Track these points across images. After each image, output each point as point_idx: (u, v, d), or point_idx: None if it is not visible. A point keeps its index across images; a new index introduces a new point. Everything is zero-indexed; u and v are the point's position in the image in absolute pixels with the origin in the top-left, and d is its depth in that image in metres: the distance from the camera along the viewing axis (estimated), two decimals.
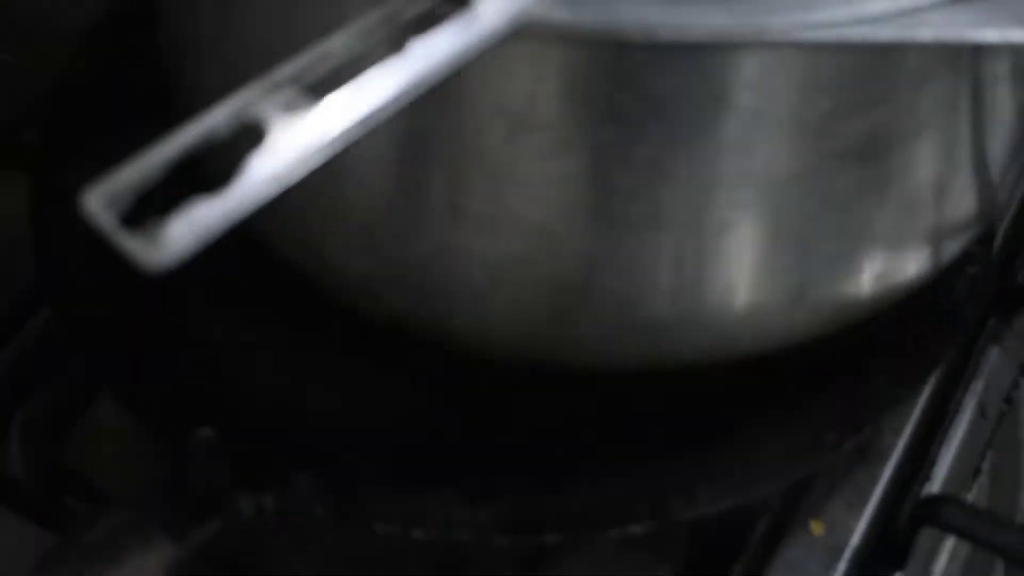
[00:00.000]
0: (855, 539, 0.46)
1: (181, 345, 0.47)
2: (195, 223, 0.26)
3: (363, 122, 0.28)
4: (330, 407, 0.45)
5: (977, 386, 0.50)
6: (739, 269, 0.39)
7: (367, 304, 0.42)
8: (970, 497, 0.49)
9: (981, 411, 0.50)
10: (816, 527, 0.46)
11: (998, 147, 0.41)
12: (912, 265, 0.43)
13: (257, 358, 0.46)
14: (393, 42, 0.28)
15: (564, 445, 0.43)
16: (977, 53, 0.36)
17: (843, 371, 0.45)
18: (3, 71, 0.54)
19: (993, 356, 0.51)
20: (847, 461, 0.47)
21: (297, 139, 0.27)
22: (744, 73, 0.33)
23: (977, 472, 0.50)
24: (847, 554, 0.46)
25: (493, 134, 0.35)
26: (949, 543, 0.48)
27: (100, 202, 0.26)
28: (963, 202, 0.42)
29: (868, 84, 0.35)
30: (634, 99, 0.34)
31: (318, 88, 0.28)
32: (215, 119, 0.27)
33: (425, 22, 0.29)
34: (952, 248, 0.43)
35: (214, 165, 0.27)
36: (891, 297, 0.43)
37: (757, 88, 0.33)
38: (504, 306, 0.39)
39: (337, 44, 0.28)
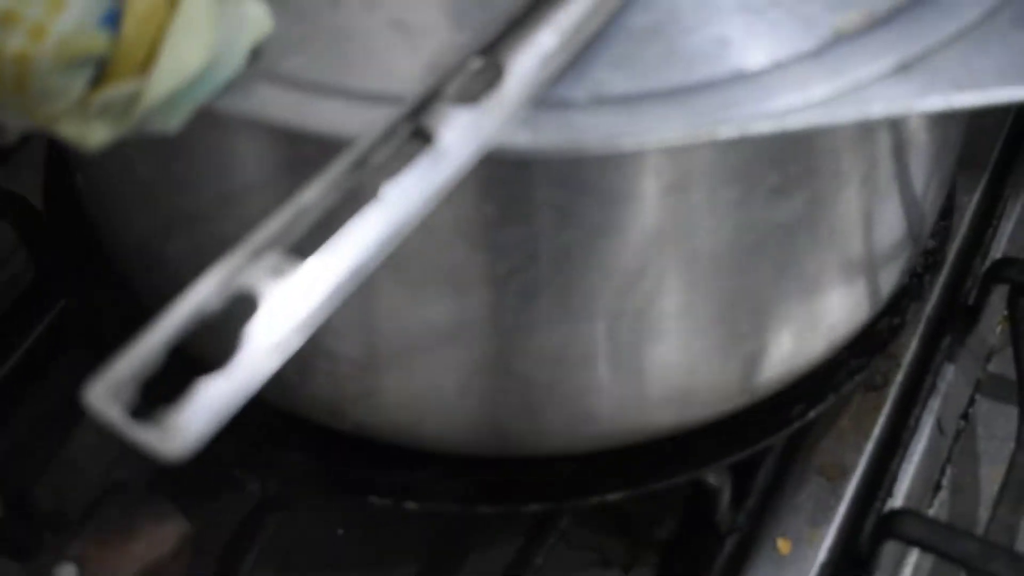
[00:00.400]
0: (821, 555, 0.47)
1: None
2: (207, 407, 0.26)
3: (354, 276, 0.28)
4: None
5: (934, 404, 0.51)
6: (680, 347, 0.40)
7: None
8: (931, 511, 0.50)
9: (939, 428, 0.51)
10: (783, 545, 0.47)
11: (919, 181, 0.42)
12: (850, 312, 0.44)
13: None
14: (366, 189, 0.28)
15: None
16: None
17: None
18: None
19: (949, 374, 0.52)
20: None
21: (292, 304, 0.27)
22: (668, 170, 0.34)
23: (937, 487, 0.51)
24: (814, 571, 0.47)
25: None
26: (913, 556, 0.50)
27: (104, 397, 0.26)
28: (891, 255, 0.43)
29: (789, 165, 0.36)
30: (558, 198, 0.34)
31: (301, 247, 0.28)
32: (205, 293, 0.27)
33: (393, 164, 0.29)
34: (888, 285, 0.45)
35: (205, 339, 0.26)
36: (842, 340, 0.44)
37: (680, 180, 0.34)
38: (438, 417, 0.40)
39: (311, 197, 0.28)
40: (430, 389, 0.40)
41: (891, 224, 0.42)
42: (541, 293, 0.37)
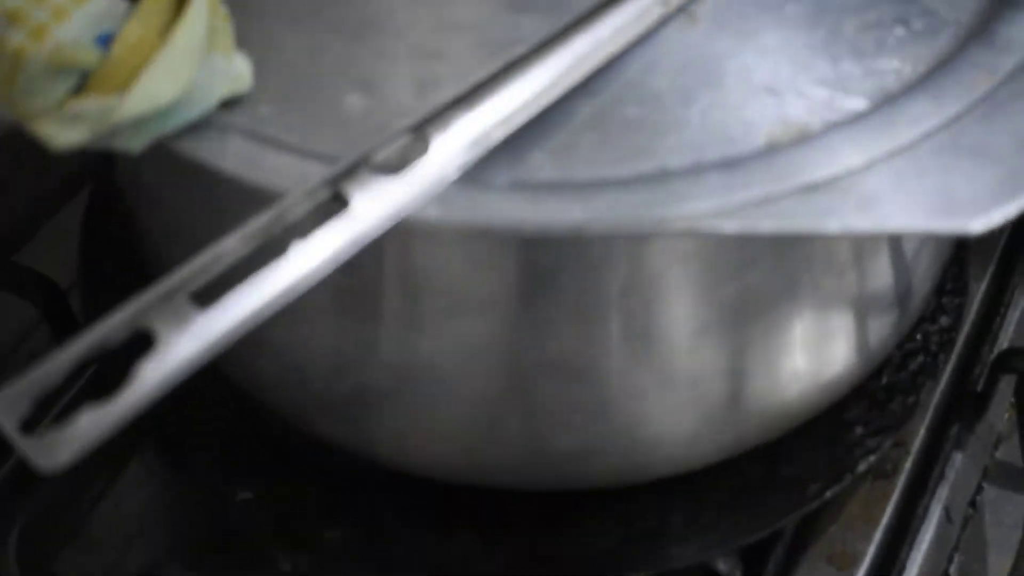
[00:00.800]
0: None
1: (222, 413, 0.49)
2: (84, 431, 0.29)
3: (244, 324, 0.30)
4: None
5: (943, 492, 0.52)
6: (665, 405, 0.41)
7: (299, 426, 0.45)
8: None
9: (947, 516, 0.52)
10: None
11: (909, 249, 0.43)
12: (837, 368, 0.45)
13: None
14: (277, 244, 0.31)
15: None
16: None
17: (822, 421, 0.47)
18: None
19: (958, 462, 0.53)
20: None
21: (184, 345, 0.30)
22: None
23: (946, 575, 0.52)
24: None
25: (403, 297, 0.38)
26: None
27: (2, 407, 0.29)
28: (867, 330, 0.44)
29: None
30: (543, 273, 0.37)
31: (206, 294, 0.30)
32: (110, 327, 0.30)
33: (307, 223, 0.31)
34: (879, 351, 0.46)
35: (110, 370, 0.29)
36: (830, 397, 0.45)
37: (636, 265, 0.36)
38: (418, 441, 0.42)
39: (227, 246, 0.31)
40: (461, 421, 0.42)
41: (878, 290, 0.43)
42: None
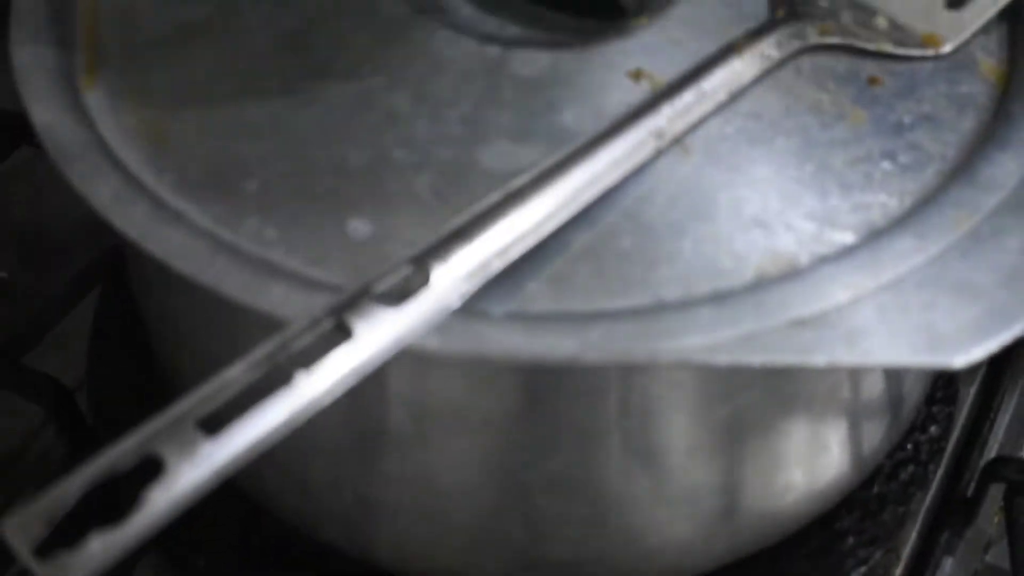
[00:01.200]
0: None
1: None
2: (95, 556, 0.30)
3: (250, 451, 0.31)
4: None
5: None
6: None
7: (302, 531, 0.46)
8: None
9: None
10: None
11: None
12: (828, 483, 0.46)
13: None
14: (283, 373, 0.32)
15: None
16: None
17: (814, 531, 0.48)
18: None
19: (948, 567, 0.53)
20: None
21: (191, 472, 0.31)
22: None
23: None
24: None
25: (405, 416, 0.39)
26: None
27: (15, 531, 0.30)
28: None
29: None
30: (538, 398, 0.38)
31: (213, 421, 0.31)
32: (119, 453, 0.31)
33: (312, 352, 0.33)
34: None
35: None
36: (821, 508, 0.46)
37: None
38: (418, 547, 0.43)
39: (233, 374, 0.32)
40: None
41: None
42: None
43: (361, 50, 0.41)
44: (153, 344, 0.48)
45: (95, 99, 0.41)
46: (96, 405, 0.51)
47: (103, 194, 0.37)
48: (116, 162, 0.38)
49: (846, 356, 0.33)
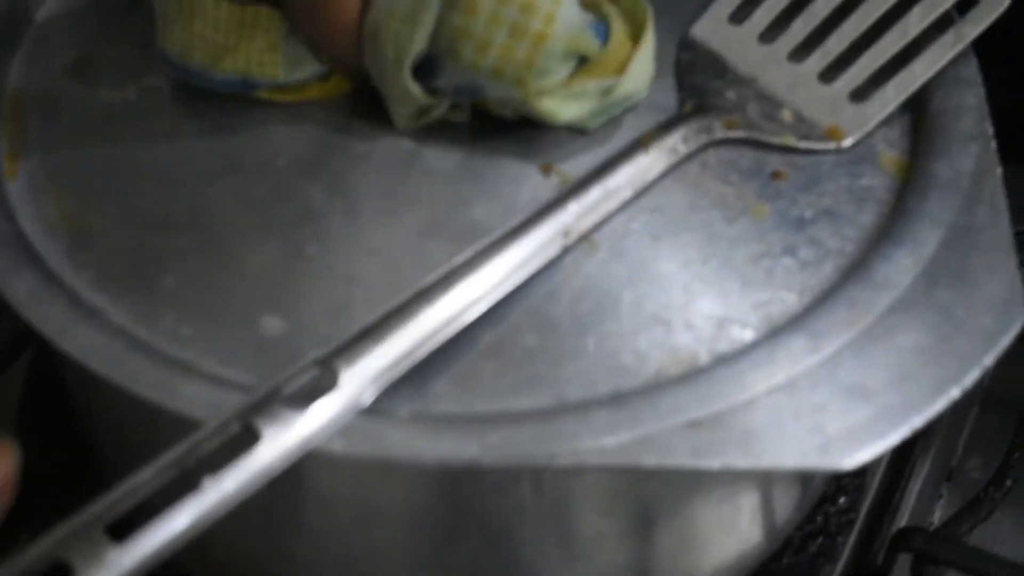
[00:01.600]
0: None
1: None
2: None
3: (157, 556, 0.32)
4: None
5: None
6: None
7: None
8: None
9: None
10: None
11: None
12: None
13: None
14: (191, 477, 0.33)
15: None
16: None
17: None
18: None
19: None
20: None
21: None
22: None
23: None
24: None
25: (314, 508, 0.40)
26: None
27: None
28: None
29: None
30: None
31: (121, 527, 0.32)
32: (29, 559, 0.32)
33: (219, 455, 0.33)
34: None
35: None
36: None
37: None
38: None
39: (142, 479, 0.33)
40: None
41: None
42: None
43: (278, 142, 0.42)
44: (78, 417, 0.49)
45: (16, 188, 0.41)
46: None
47: (19, 290, 0.38)
48: (34, 256, 0.39)
49: (739, 460, 0.34)
